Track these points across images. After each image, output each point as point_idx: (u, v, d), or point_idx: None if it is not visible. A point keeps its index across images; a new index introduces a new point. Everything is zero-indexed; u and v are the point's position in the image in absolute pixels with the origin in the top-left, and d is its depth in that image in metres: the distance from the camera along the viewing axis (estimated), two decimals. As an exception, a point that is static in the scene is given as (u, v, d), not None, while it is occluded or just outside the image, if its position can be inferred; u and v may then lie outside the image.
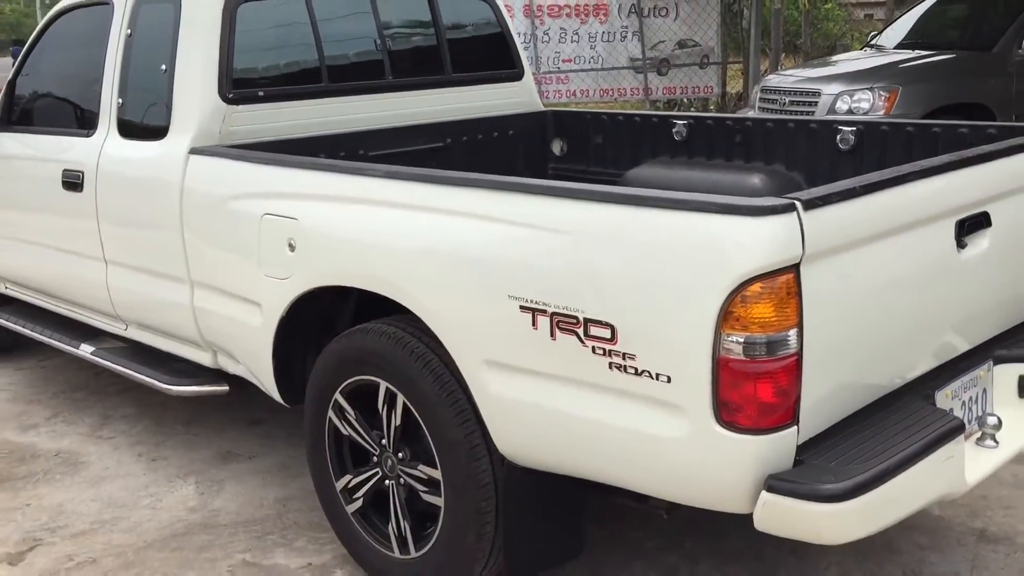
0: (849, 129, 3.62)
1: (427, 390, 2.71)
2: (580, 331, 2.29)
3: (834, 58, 11.79)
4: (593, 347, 2.27)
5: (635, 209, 2.19)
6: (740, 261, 2.03)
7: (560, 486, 2.70)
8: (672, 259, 2.13)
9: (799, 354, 2.09)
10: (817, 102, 8.51)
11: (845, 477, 2.07)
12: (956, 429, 2.31)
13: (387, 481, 2.97)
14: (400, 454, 2.91)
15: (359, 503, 3.06)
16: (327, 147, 3.71)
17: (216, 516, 3.56)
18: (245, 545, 3.34)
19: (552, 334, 2.34)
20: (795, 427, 2.13)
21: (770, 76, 10.40)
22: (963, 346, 2.67)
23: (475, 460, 2.66)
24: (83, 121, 3.99)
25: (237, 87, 3.56)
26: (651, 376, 2.18)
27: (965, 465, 2.36)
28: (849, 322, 2.24)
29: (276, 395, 3.31)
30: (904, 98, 8.18)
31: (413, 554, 2.90)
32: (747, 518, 2.16)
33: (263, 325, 3.19)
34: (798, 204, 2.06)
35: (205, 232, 3.38)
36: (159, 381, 3.76)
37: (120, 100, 3.80)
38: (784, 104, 8.81)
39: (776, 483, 2.08)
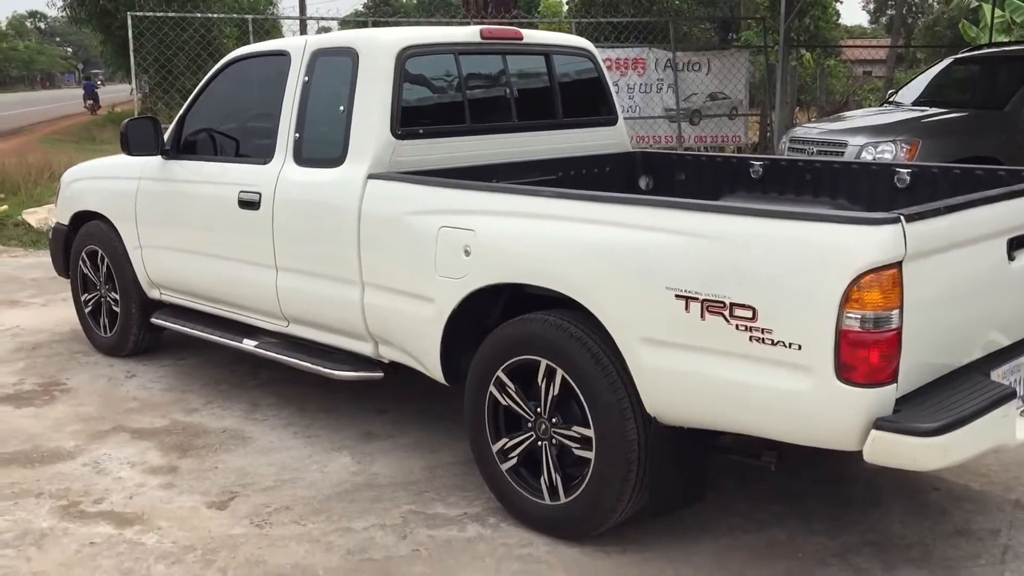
0: (905, 171, 4.40)
1: (585, 365, 3.45)
2: (726, 313, 3.03)
3: (852, 112, 12.68)
4: (737, 325, 3.02)
5: (778, 221, 2.95)
6: (859, 259, 2.79)
7: (691, 443, 3.43)
8: (806, 257, 2.88)
9: (900, 329, 2.84)
10: (843, 152, 9.32)
11: (934, 420, 2.81)
12: (1010, 395, 3.07)
13: (539, 442, 3.69)
14: (554, 419, 3.63)
15: (513, 461, 3.78)
16: (470, 176, 4.47)
17: (376, 479, 4.27)
18: (408, 500, 4.05)
19: (702, 316, 3.09)
20: (895, 384, 2.87)
21: (796, 128, 11.26)
22: (1011, 338, 3.42)
23: (624, 420, 3.39)
24: (259, 151, 4.76)
25: (404, 125, 4.33)
26: (785, 345, 2.92)
27: (1015, 424, 3.10)
28: (930, 310, 2.98)
29: (439, 376, 4.04)
30: (924, 151, 8.98)
31: (563, 499, 3.62)
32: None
33: (435, 317, 3.93)
34: (902, 217, 2.82)
35: (380, 241, 4.13)
36: (324, 368, 4.49)
37: (297, 135, 4.57)
38: (812, 153, 9.62)
39: (883, 423, 2.81)
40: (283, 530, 3.81)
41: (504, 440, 3.81)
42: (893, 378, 2.87)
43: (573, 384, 3.51)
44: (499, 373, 3.76)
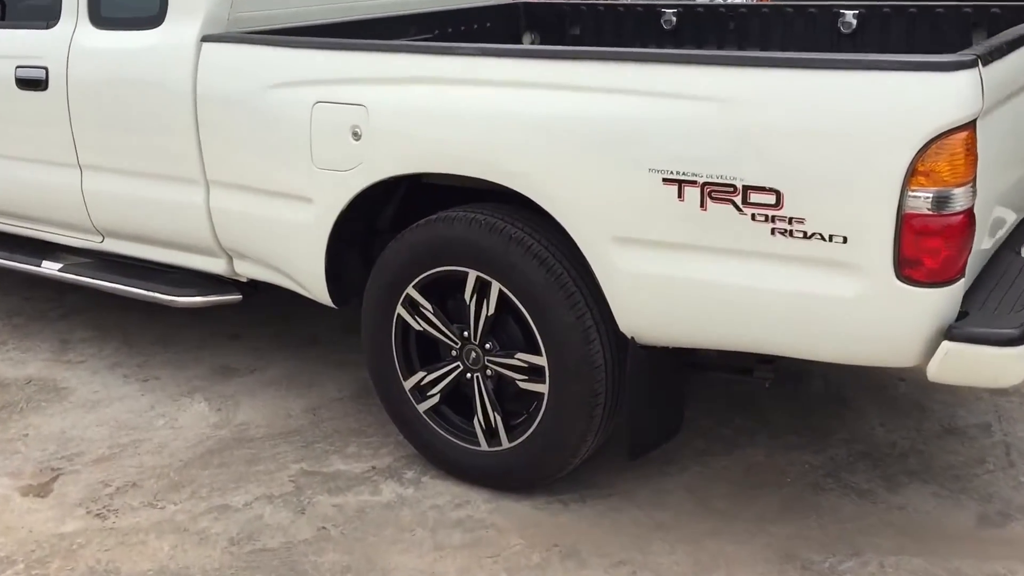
0: (851, 13, 3.74)
1: (532, 276, 2.65)
2: (736, 199, 2.29)
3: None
4: (753, 215, 2.28)
5: (812, 72, 2.20)
6: (931, 117, 2.09)
7: (672, 365, 2.73)
8: (855, 119, 2.16)
9: (971, 208, 2.19)
10: None
11: (1015, 324, 2.20)
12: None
13: (469, 375, 2.90)
14: (487, 345, 2.84)
15: (434, 400, 2.98)
16: (332, 35, 3.48)
17: (246, 430, 3.36)
18: (294, 456, 3.18)
19: (702, 204, 2.34)
20: (963, 280, 2.24)
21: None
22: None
23: (588, 343, 2.63)
24: (38, 11, 3.57)
25: (242, -31, 3.27)
26: (822, 238, 2.22)
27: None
28: (987, 180, 2.35)
29: (324, 298, 3.14)
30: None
31: (506, 444, 2.86)
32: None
33: (315, 222, 3.00)
34: (978, 59, 2.13)
35: (228, 127, 3.12)
36: (161, 293, 3.48)
37: (90, -15, 3.41)
38: None
39: (957, 332, 2.18)
40: (134, 518, 2.88)
41: (420, 374, 2.99)
42: (961, 272, 2.23)
43: (516, 301, 2.71)
44: (409, 290, 2.91)
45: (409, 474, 3.06)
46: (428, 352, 3.02)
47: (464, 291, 2.81)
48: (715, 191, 2.31)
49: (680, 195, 2.36)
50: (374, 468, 3.11)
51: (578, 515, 2.84)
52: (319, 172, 2.93)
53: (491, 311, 2.78)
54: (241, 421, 3.43)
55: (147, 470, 3.12)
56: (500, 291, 2.73)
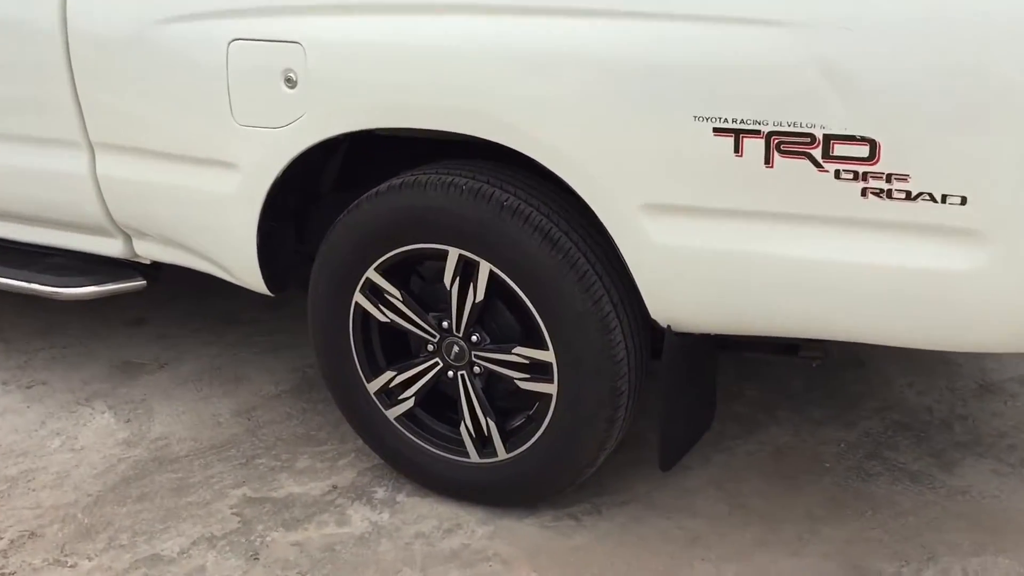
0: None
1: (533, 254, 2.10)
2: (815, 152, 1.78)
3: None
4: (837, 171, 1.78)
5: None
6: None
7: (706, 350, 2.24)
8: (980, 42, 1.65)
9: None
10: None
11: None
12: None
13: (452, 372, 2.35)
14: (475, 337, 2.29)
15: (407, 404, 2.43)
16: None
17: (166, 446, 2.75)
18: (233, 478, 2.60)
19: (767, 160, 1.81)
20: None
21: None
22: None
23: (608, 332, 2.12)
24: None
25: None
26: (932, 199, 1.73)
27: None
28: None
29: (257, 285, 2.52)
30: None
31: (503, 456, 2.34)
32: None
33: (242, 193, 2.37)
34: None
35: (113, 73, 2.43)
36: (42, 284, 2.79)
37: None
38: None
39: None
40: (40, 584, 2.27)
41: (389, 375, 2.42)
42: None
43: (512, 285, 2.16)
44: (370, 274, 2.32)
45: (380, 492, 2.52)
46: (397, 347, 2.46)
47: (443, 274, 2.25)
48: (785, 143, 1.79)
49: (737, 149, 1.82)
50: (335, 488, 2.55)
51: (596, 532, 2.35)
52: (242, 130, 2.29)
53: (479, 297, 2.23)
54: (158, 434, 2.81)
55: (47, 512, 2.49)
56: (491, 273, 2.18)
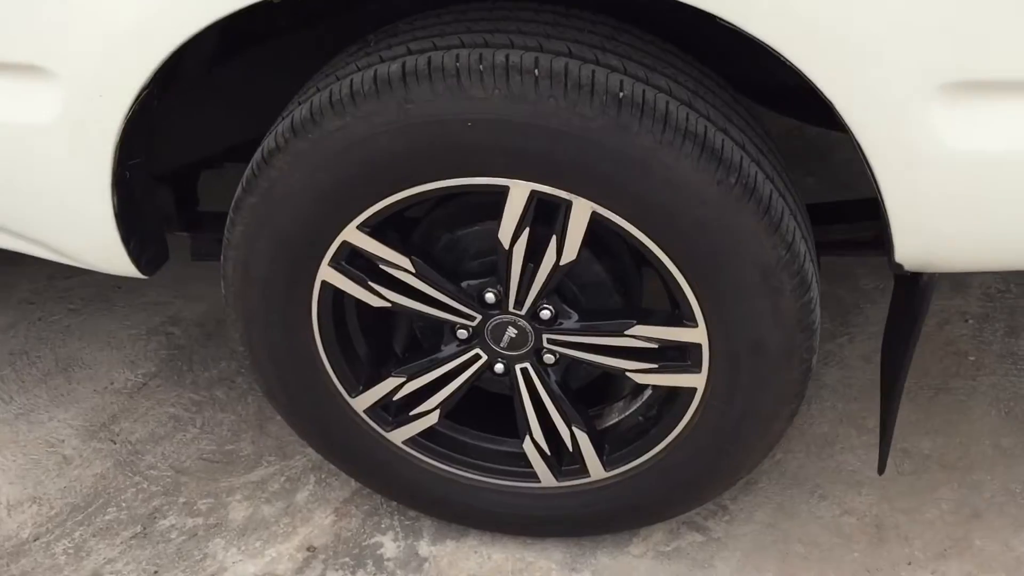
0: None
1: (684, 182, 1.17)
2: None
3: None
4: None
5: None
6: None
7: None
8: None
9: None
10: None
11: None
12: None
13: (502, 366, 1.42)
14: (544, 313, 1.36)
15: (427, 421, 1.49)
16: None
17: (48, 505, 1.67)
18: (132, 568, 1.59)
19: None
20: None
21: None
22: None
23: (806, 291, 1.26)
24: None
25: None
26: None
27: None
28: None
29: (120, 265, 1.42)
30: None
31: (598, 475, 1.48)
32: None
33: (75, 124, 1.22)
34: None
35: None
36: None
37: None
38: None
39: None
40: None
41: (393, 382, 1.45)
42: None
43: (638, 235, 1.23)
44: (348, 235, 1.29)
45: (388, 544, 1.61)
46: (389, 342, 1.49)
47: (479, 222, 1.29)
48: None
49: None
50: (311, 551, 1.60)
51: (740, 544, 1.59)
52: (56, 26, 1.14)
53: (566, 258, 1.28)
54: (43, 494, 1.71)
55: None
56: (592, 217, 1.23)
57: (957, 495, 1.64)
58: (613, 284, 1.40)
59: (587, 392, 1.52)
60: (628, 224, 1.23)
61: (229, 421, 1.84)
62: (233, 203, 1.32)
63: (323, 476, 1.71)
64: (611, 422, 1.51)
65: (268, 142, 1.26)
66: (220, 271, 1.39)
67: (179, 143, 1.55)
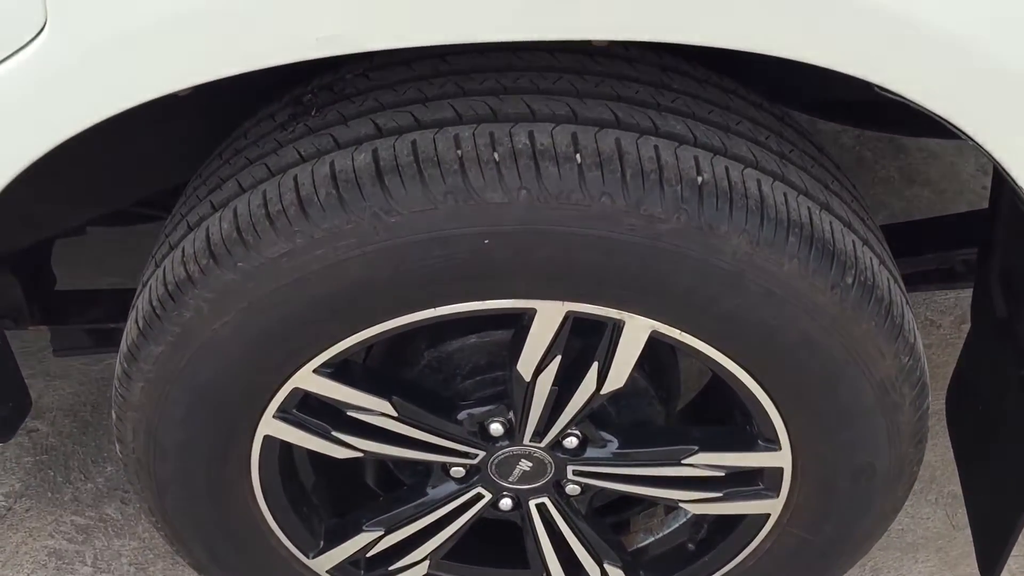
0: None
1: (785, 290, 0.84)
2: None
3: None
4: None
5: None
6: None
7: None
8: None
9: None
10: None
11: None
12: None
13: (510, 502, 1.08)
14: (569, 441, 1.01)
15: (416, 573, 1.13)
16: None
17: None
18: None
19: None
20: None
21: None
22: None
23: (922, 399, 0.97)
24: None
25: None
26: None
27: None
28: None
29: None
30: None
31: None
32: None
33: None
34: None
35: None
36: None
37: None
38: None
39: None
40: None
41: (368, 537, 1.08)
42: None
43: (714, 355, 0.89)
44: (300, 379, 0.91)
45: None
46: (359, 479, 1.12)
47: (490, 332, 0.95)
48: None
49: None
50: None
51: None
52: None
53: (608, 387, 0.93)
54: None
55: None
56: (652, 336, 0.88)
57: None
58: (654, 391, 1.06)
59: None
60: (702, 344, 0.89)
61: (130, 550, 1.43)
62: (125, 349, 0.91)
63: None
64: (641, 544, 1.20)
65: (173, 267, 0.86)
66: (112, 429, 0.99)
67: (23, 219, 1.11)
